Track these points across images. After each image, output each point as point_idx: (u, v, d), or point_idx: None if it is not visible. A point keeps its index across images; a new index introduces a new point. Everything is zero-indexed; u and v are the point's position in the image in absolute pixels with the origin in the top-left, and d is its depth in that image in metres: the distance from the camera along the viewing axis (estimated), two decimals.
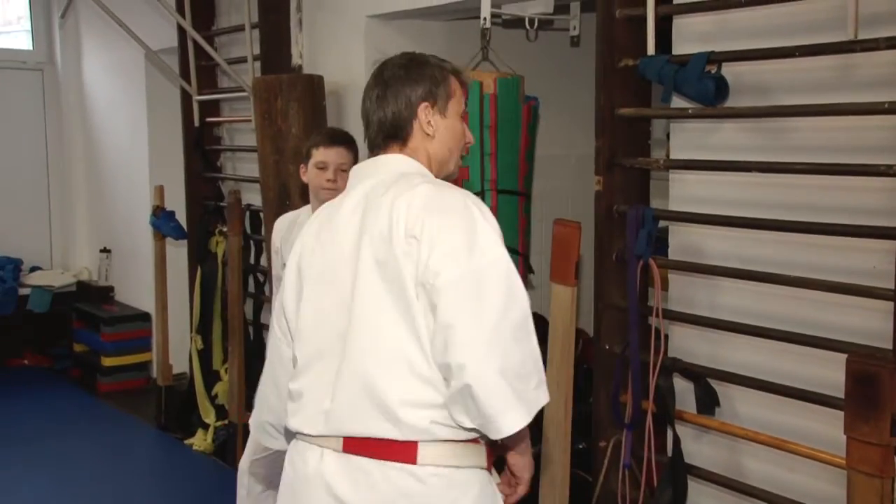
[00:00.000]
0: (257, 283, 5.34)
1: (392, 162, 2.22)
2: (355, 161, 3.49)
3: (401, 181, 2.13)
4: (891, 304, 2.65)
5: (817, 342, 2.90)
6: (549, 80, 4.69)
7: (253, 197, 5.32)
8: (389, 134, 2.22)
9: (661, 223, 3.40)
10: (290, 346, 2.26)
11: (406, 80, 2.22)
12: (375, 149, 2.26)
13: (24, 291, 7.34)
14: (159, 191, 5.84)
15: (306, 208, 3.72)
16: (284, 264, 3.04)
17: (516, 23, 4.30)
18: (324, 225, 2.24)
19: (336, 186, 3.48)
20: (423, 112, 2.20)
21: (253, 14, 5.16)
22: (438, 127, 2.23)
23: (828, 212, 2.90)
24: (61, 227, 7.88)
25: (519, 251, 4.03)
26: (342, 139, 3.60)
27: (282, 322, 2.29)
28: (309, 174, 3.57)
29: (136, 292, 7.00)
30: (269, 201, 4.71)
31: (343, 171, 3.48)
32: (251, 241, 5.31)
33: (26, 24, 7.84)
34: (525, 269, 4.08)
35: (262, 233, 5.06)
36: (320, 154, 3.52)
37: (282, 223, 3.78)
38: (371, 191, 2.16)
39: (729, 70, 3.13)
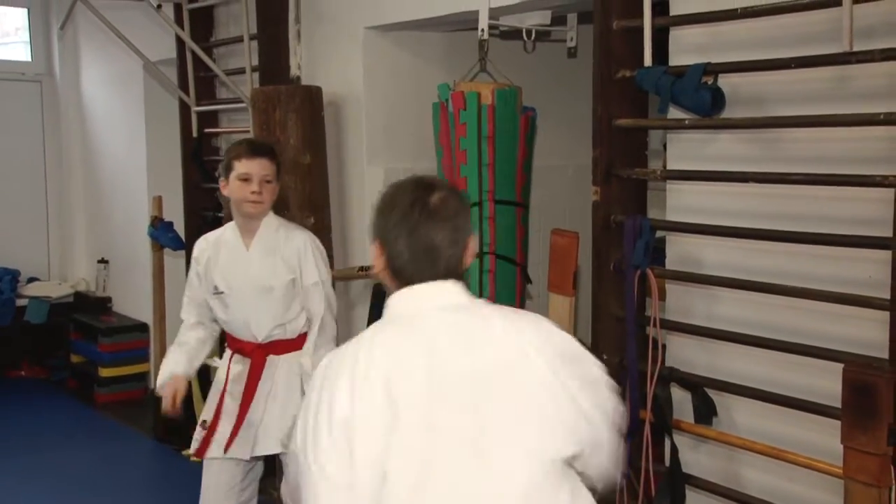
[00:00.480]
0: None
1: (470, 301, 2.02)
2: (279, 173, 3.53)
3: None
4: (887, 313, 2.66)
5: (814, 352, 2.90)
6: (547, 91, 4.70)
7: None
8: (450, 268, 1.98)
9: (659, 233, 3.41)
10: None
11: (465, 214, 2.05)
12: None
13: (21, 302, 7.33)
14: (157, 201, 5.83)
15: (230, 226, 3.62)
16: (215, 287, 3.51)
17: (514, 34, 4.32)
18: None
19: (262, 199, 3.42)
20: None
21: (251, 25, 5.18)
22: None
23: (824, 222, 2.91)
24: (59, 237, 7.89)
25: (516, 262, 4.04)
26: (264, 150, 3.50)
27: None
28: (231, 187, 3.43)
29: (134, 303, 6.99)
30: None
31: (267, 183, 3.44)
32: None
33: (25, 36, 7.85)
34: (523, 280, 4.08)
35: None
36: (242, 166, 3.39)
37: (205, 244, 3.63)
38: None
39: (725, 81, 3.14)
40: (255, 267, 3.50)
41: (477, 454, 1.80)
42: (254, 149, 3.47)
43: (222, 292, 3.51)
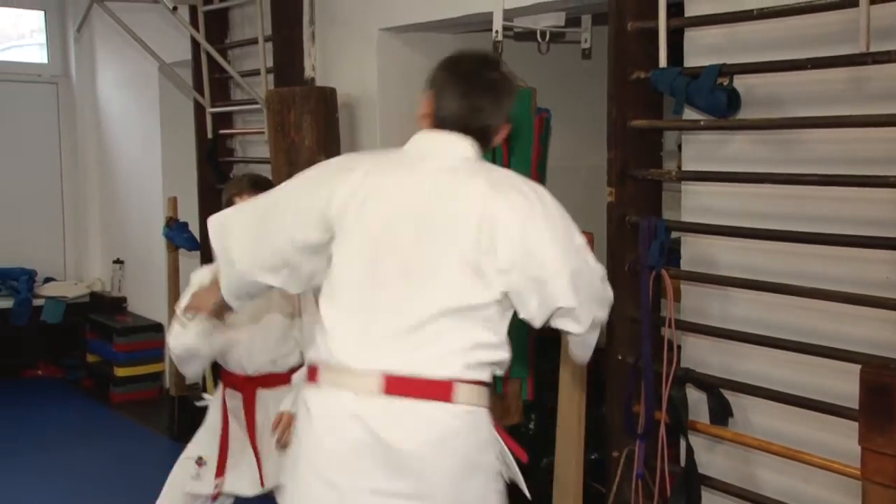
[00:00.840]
0: None
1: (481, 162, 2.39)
2: None
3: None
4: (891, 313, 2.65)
5: (830, 353, 2.89)
6: (561, 93, 4.69)
7: None
8: (476, 136, 2.37)
9: (674, 234, 3.41)
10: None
11: (508, 94, 2.42)
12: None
13: (38, 302, 7.37)
14: (173, 202, 5.85)
15: None
16: None
17: (528, 35, 4.32)
18: None
19: None
20: (503, 131, 2.47)
21: (266, 27, 5.18)
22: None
23: (840, 223, 2.90)
24: (75, 238, 7.92)
25: None
26: (266, 186, 3.40)
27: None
28: None
29: (149, 303, 7.01)
30: None
31: None
32: None
33: (41, 38, 7.88)
34: None
35: None
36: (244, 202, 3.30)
37: (201, 275, 3.42)
38: None
39: (741, 82, 3.13)
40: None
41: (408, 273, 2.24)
42: (255, 184, 3.44)
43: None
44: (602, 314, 2.40)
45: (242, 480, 3.50)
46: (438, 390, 2.22)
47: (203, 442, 3.58)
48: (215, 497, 3.53)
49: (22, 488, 5.25)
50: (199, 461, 3.52)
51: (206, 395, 3.70)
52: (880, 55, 2.69)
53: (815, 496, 3.02)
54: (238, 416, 3.54)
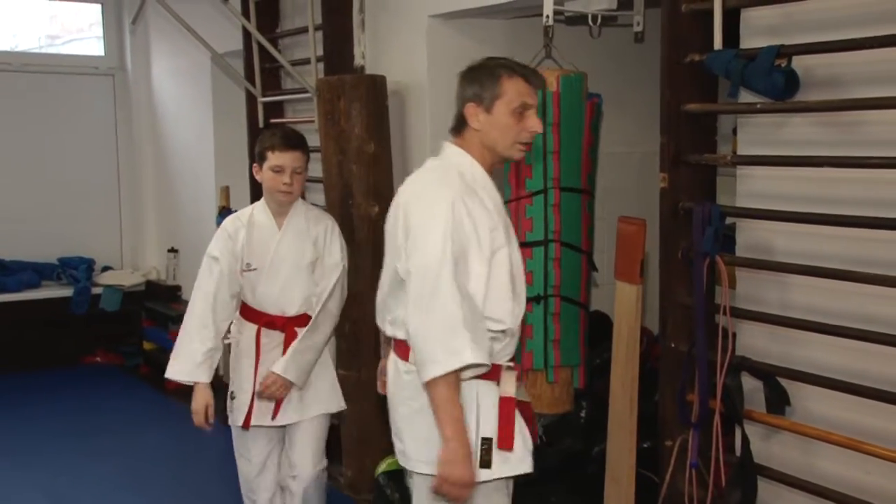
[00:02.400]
0: None
1: (446, 152, 2.81)
2: (307, 163, 3.69)
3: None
4: None
5: (890, 340, 2.78)
6: (613, 77, 4.60)
7: (316, 197, 5.29)
8: (453, 127, 2.79)
9: (728, 220, 3.31)
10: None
11: (461, 83, 2.76)
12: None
13: (96, 291, 7.46)
14: (225, 191, 5.87)
15: (259, 206, 3.76)
16: (248, 264, 3.64)
17: (579, 19, 4.23)
18: None
19: (292, 189, 3.61)
20: (469, 111, 2.69)
21: (316, 16, 5.14)
22: (483, 123, 2.68)
23: None
24: (131, 227, 7.99)
25: (583, 249, 3.95)
26: (297, 143, 3.63)
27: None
28: (264, 176, 3.62)
29: None
30: (333, 201, 4.68)
31: (297, 174, 3.62)
32: None
33: (98, 31, 7.94)
34: (588, 267, 4.00)
35: None
36: (276, 158, 3.56)
37: (239, 223, 3.74)
38: None
39: (799, 63, 3.03)
40: (286, 246, 3.67)
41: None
42: (287, 142, 3.59)
43: (255, 269, 3.65)
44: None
45: (289, 411, 3.72)
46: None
47: (239, 376, 3.79)
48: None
49: (83, 470, 5.32)
50: (232, 395, 3.81)
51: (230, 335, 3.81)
52: None
53: (878, 486, 2.92)
54: (274, 351, 3.67)
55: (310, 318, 3.66)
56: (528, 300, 2.92)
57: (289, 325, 3.68)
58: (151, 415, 6.38)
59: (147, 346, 7.23)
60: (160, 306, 7.19)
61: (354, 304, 4.07)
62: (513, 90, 2.66)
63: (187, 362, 3.69)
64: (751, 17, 3.25)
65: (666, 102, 3.35)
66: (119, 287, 7.47)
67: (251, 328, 3.72)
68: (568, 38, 4.24)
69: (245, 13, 5.60)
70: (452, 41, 4.69)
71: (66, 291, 7.36)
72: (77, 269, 7.51)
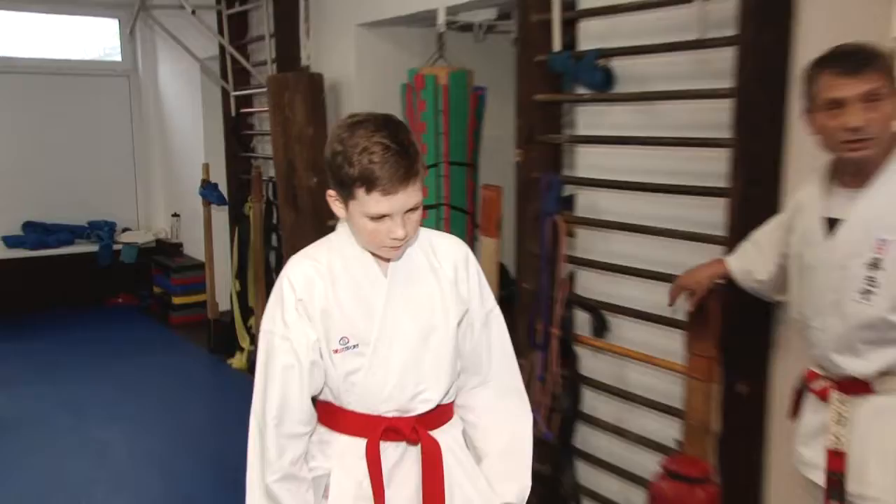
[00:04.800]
0: (278, 239, 5.34)
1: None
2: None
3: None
4: (725, 247, 2.59)
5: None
6: (496, 74, 4.59)
7: (268, 172, 5.30)
8: None
9: (570, 187, 3.35)
10: None
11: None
12: None
13: (117, 247, 7.45)
14: (206, 167, 5.85)
15: (346, 241, 1.76)
16: (344, 339, 1.70)
17: (467, 27, 4.23)
18: None
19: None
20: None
21: (271, 26, 5.12)
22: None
23: (690, 176, 2.83)
24: (144, 197, 7.97)
25: (468, 211, 4.00)
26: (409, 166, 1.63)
27: None
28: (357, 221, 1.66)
29: (198, 247, 6.98)
30: (280, 174, 4.69)
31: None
32: (273, 206, 5.30)
33: (117, 41, 7.86)
34: (472, 226, 4.05)
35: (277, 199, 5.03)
36: (382, 204, 1.61)
37: (312, 271, 1.72)
38: None
39: (618, 63, 3.05)
40: (404, 301, 1.75)
41: None
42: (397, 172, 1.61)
43: (355, 346, 1.71)
44: None
45: None
46: None
47: None
48: None
49: (99, 384, 5.37)
50: None
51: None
52: (711, 41, 2.61)
53: (662, 388, 3.00)
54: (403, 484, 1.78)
55: (443, 411, 1.82)
56: None
57: (420, 430, 1.76)
58: (157, 343, 6.42)
59: (156, 290, 7.23)
60: (166, 259, 7.17)
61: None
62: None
63: None
64: (584, 27, 3.26)
65: (520, 93, 3.35)
66: (135, 244, 7.46)
67: (351, 448, 1.76)
68: (459, 42, 4.25)
69: (220, 25, 5.57)
70: (375, 45, 4.68)
71: (94, 247, 7.36)
72: (102, 230, 7.51)
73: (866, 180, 1.93)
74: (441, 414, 1.79)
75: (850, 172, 1.96)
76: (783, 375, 2.72)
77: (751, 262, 2.32)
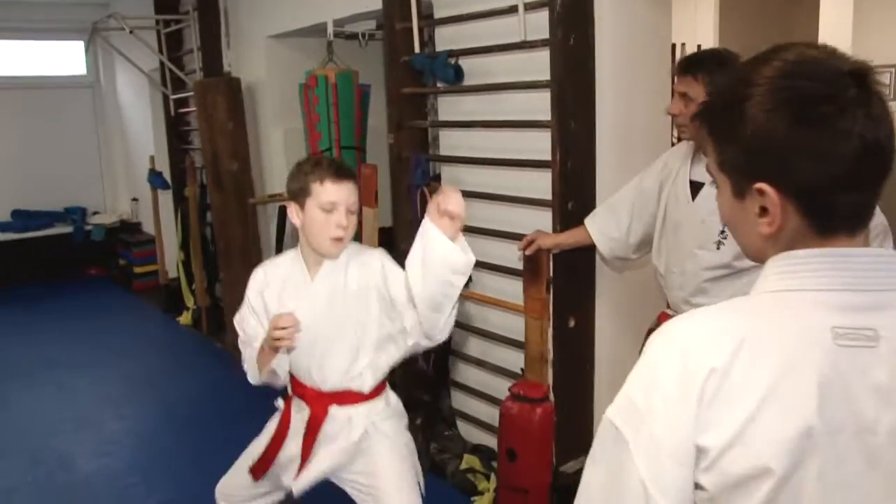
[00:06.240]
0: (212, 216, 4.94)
1: None
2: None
3: None
4: (549, 210, 2.41)
5: (518, 236, 2.66)
6: (378, 74, 4.27)
7: (199, 160, 4.89)
8: None
9: (436, 164, 3.12)
10: None
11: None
12: None
13: (88, 228, 6.87)
14: (152, 159, 5.39)
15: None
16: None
17: (353, 36, 3.90)
18: None
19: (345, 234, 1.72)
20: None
21: (199, 41, 4.67)
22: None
23: (525, 151, 2.65)
24: (110, 185, 7.34)
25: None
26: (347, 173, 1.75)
27: None
28: (308, 216, 1.71)
29: (151, 225, 6.49)
30: (207, 162, 4.33)
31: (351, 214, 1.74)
32: (205, 189, 4.89)
33: (83, 57, 7.15)
34: (361, 202, 3.77)
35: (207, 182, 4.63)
36: (327, 192, 1.68)
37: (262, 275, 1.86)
38: None
39: (465, 61, 2.82)
40: (322, 301, 1.75)
41: None
42: (338, 171, 1.73)
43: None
44: None
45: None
46: None
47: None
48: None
49: (70, 343, 4.94)
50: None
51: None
52: (530, 43, 2.40)
53: (513, 326, 2.82)
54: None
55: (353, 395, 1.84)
56: None
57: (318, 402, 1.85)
58: (121, 306, 5.94)
59: (121, 262, 6.70)
60: (128, 236, 6.65)
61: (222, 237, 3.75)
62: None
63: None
64: (438, 32, 3.01)
65: (389, 87, 3.10)
66: (103, 225, 6.88)
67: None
68: (346, 48, 3.91)
69: (159, 42, 5.08)
70: (281, 53, 4.32)
71: (69, 229, 6.75)
72: (76, 214, 6.91)
73: None
74: (351, 395, 1.81)
75: None
76: (604, 311, 2.60)
77: (604, 222, 2.22)
